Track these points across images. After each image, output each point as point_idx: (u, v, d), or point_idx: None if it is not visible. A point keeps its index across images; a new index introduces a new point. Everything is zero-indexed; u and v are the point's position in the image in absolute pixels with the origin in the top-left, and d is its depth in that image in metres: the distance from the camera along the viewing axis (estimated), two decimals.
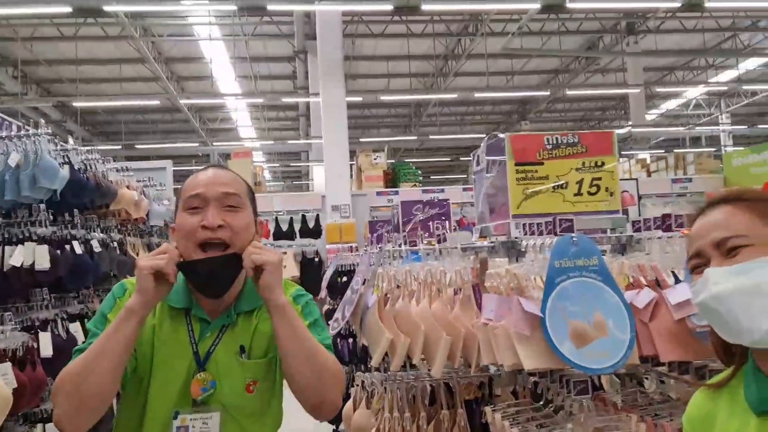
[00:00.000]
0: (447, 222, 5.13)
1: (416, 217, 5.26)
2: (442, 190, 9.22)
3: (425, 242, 2.52)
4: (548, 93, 16.82)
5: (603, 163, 2.21)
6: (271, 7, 7.87)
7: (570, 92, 16.48)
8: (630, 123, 17.16)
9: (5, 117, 3.36)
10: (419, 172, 10.74)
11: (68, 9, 7.02)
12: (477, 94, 15.54)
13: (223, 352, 1.41)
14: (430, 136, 17.88)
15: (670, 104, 19.90)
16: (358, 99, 14.53)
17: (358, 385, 2.60)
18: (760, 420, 0.93)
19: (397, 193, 8.80)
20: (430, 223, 4.24)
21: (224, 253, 1.37)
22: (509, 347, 1.76)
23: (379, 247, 2.09)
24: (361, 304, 2.16)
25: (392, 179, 10.14)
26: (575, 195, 2.20)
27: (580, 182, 2.20)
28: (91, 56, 14.45)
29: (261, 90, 15.41)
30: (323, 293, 4.63)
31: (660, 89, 17.88)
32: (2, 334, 2.76)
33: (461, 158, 22.41)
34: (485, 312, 1.89)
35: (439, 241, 2.44)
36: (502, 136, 2.12)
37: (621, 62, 16.08)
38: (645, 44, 15.06)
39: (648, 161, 12.24)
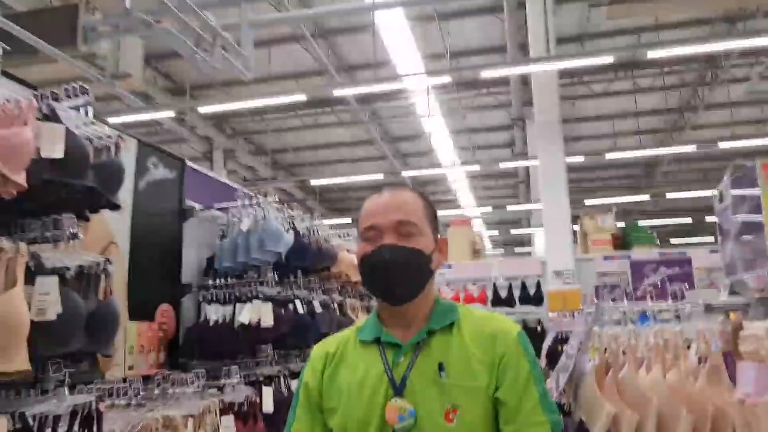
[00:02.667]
0: (689, 285, 4.42)
1: (649, 278, 4.62)
2: (684, 253, 8.15)
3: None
4: None
5: None
6: (485, 75, 7.97)
7: None
8: None
9: (240, 188, 3.75)
10: (655, 234, 9.74)
11: (303, 98, 7.92)
12: (722, 145, 13.81)
13: (419, 375, 1.32)
14: (666, 195, 16.26)
15: None
16: (579, 159, 13.90)
17: None
18: None
19: (628, 256, 8.00)
20: (667, 286, 3.66)
21: (405, 245, 1.34)
22: None
23: (596, 304, 1.78)
24: (577, 370, 1.85)
25: (622, 243, 9.32)
26: None
27: None
28: (328, 141, 16.12)
29: (479, 159, 15.63)
30: (542, 363, 4.25)
31: None
32: (230, 388, 2.95)
33: (707, 218, 19.97)
34: (741, 385, 1.47)
35: (674, 298, 2.03)
36: (750, 164, 1.70)
37: None
38: None
39: None
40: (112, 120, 9.66)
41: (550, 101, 9.20)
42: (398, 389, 1.31)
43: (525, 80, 11.62)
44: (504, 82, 12.30)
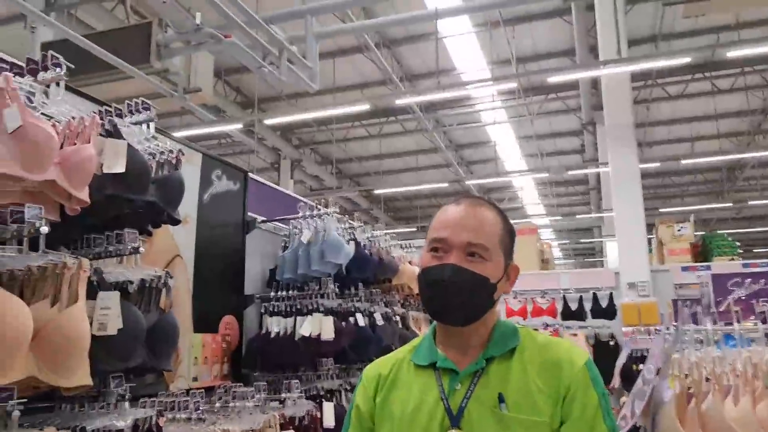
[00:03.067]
0: None
1: (733, 293, 4.30)
2: None
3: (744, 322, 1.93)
4: None
5: None
6: (552, 79, 7.74)
7: None
8: None
9: (300, 198, 3.75)
10: (737, 244, 9.15)
11: (367, 107, 7.94)
12: None
13: (477, 406, 1.21)
14: (749, 202, 15.34)
15: None
16: (654, 165, 13.30)
17: None
18: None
19: (708, 267, 7.55)
20: (754, 302, 3.38)
21: (470, 269, 1.24)
22: None
23: (674, 326, 1.64)
24: (655, 398, 1.70)
25: (702, 253, 8.81)
26: None
27: None
28: (392, 150, 16.14)
29: (547, 166, 15.26)
30: (616, 381, 4.03)
31: None
32: (291, 401, 2.93)
33: None
34: None
35: (764, 321, 1.85)
36: None
37: None
38: None
39: None
40: (183, 134, 10.01)
41: (623, 105, 8.82)
42: (455, 420, 1.21)
43: (595, 84, 11.25)
44: (573, 86, 11.96)
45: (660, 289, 7.55)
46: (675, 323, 1.72)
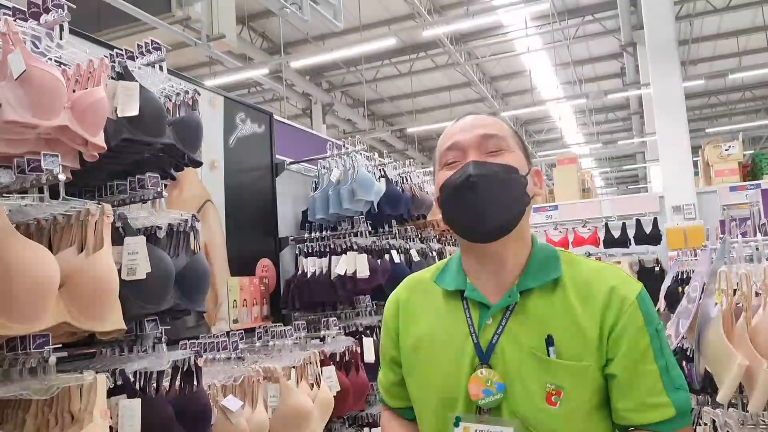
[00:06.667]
0: None
1: None
2: None
3: None
4: None
5: None
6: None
7: None
8: None
9: (328, 138, 3.69)
10: None
11: (393, 42, 7.69)
12: None
13: (511, 344, 1.09)
14: None
15: None
16: (699, 83, 12.67)
17: (706, 425, 2.01)
18: None
19: (758, 186, 7.24)
20: None
21: (495, 161, 1.13)
22: None
23: (722, 238, 1.54)
24: (701, 316, 1.62)
25: (751, 172, 8.45)
26: None
27: None
28: (424, 88, 15.80)
29: (586, 92, 14.74)
30: (661, 304, 3.94)
31: None
32: (330, 338, 2.95)
33: None
34: None
35: None
36: None
37: None
38: None
39: None
40: (212, 83, 9.95)
41: (664, 21, 8.33)
42: (484, 356, 1.10)
43: (634, 2, 10.66)
44: (611, 4, 11.37)
45: (707, 211, 7.32)
46: (722, 236, 1.62)
